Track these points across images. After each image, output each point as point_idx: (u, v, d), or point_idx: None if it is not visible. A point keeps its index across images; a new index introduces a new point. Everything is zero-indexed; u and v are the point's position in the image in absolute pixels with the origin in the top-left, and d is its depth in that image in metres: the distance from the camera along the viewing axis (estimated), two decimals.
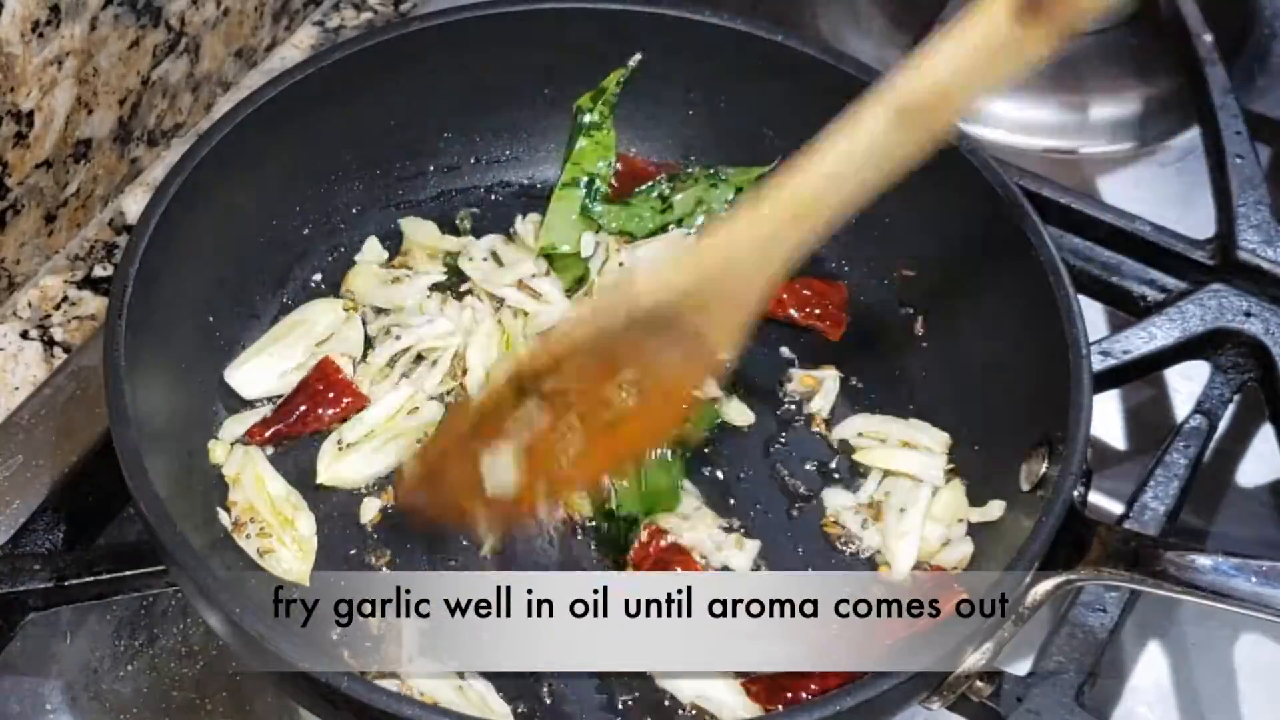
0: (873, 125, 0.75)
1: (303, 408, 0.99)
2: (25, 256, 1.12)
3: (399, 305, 1.06)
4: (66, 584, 0.89)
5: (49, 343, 1.11)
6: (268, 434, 0.98)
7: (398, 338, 1.03)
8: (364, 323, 1.05)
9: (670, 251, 0.81)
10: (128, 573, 0.89)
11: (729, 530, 0.96)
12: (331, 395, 1.00)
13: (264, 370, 1.01)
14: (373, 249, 1.10)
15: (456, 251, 1.10)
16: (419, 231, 1.11)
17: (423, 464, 0.91)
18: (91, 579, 0.89)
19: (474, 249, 1.10)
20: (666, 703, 0.89)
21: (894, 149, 0.75)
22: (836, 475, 1.01)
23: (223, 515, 0.94)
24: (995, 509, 0.94)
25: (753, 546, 0.95)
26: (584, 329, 0.80)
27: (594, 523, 0.96)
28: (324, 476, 0.98)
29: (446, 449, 0.89)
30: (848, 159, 0.75)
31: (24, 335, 1.11)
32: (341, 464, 0.98)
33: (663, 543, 0.93)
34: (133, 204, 1.20)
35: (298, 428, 0.99)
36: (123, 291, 0.89)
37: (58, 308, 1.13)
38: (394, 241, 1.11)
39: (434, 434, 0.94)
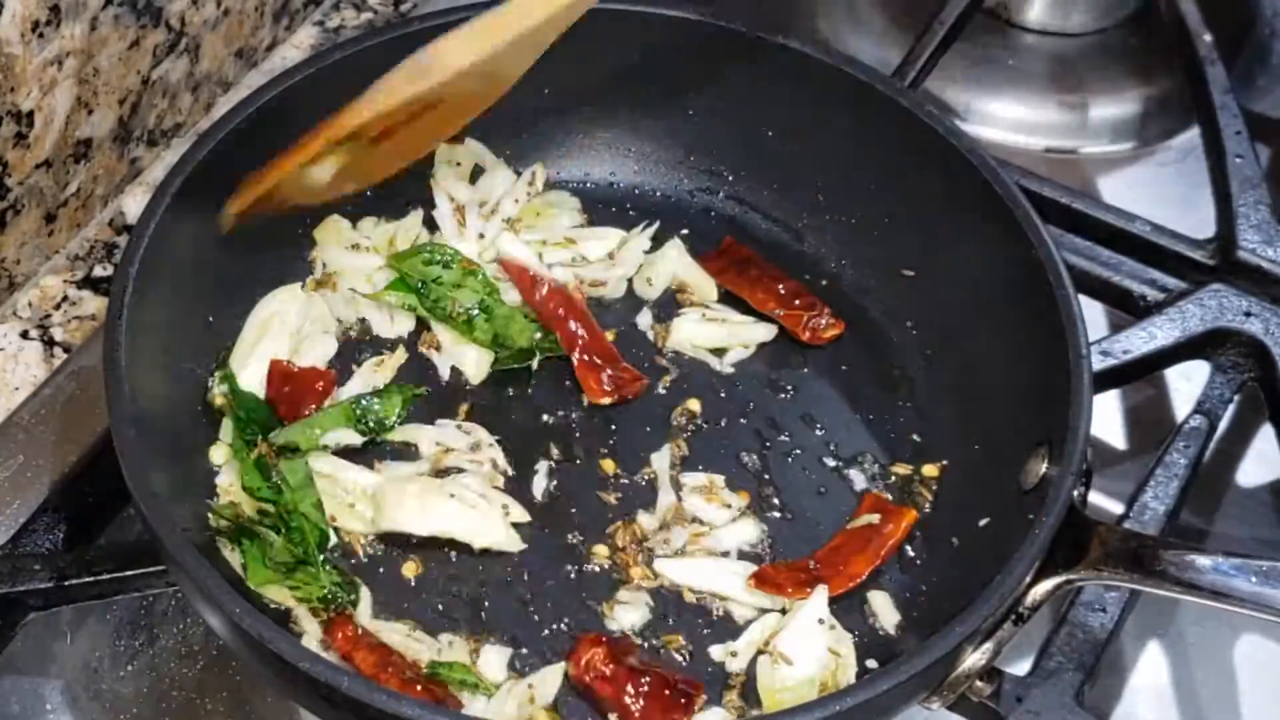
0: None
1: (283, 420, 0.99)
2: (25, 256, 1.12)
3: (346, 269, 1.07)
4: (66, 584, 0.89)
5: (49, 343, 1.11)
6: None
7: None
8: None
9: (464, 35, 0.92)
10: (128, 573, 0.89)
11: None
12: (296, 390, 1.00)
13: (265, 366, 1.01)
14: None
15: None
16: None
17: (245, 199, 0.94)
18: (91, 579, 0.89)
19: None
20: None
21: None
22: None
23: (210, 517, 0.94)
24: None
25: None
26: (395, 98, 0.90)
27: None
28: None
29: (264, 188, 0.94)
30: None
31: (24, 335, 1.11)
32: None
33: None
34: (133, 204, 1.20)
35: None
36: (123, 291, 0.89)
37: (58, 308, 1.13)
38: None
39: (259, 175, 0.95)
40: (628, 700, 0.85)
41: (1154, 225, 1.14)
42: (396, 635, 0.89)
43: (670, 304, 1.10)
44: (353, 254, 1.08)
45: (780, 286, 1.08)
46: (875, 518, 0.96)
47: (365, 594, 0.91)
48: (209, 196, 0.98)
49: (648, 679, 0.86)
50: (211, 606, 0.78)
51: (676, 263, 1.10)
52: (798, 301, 1.08)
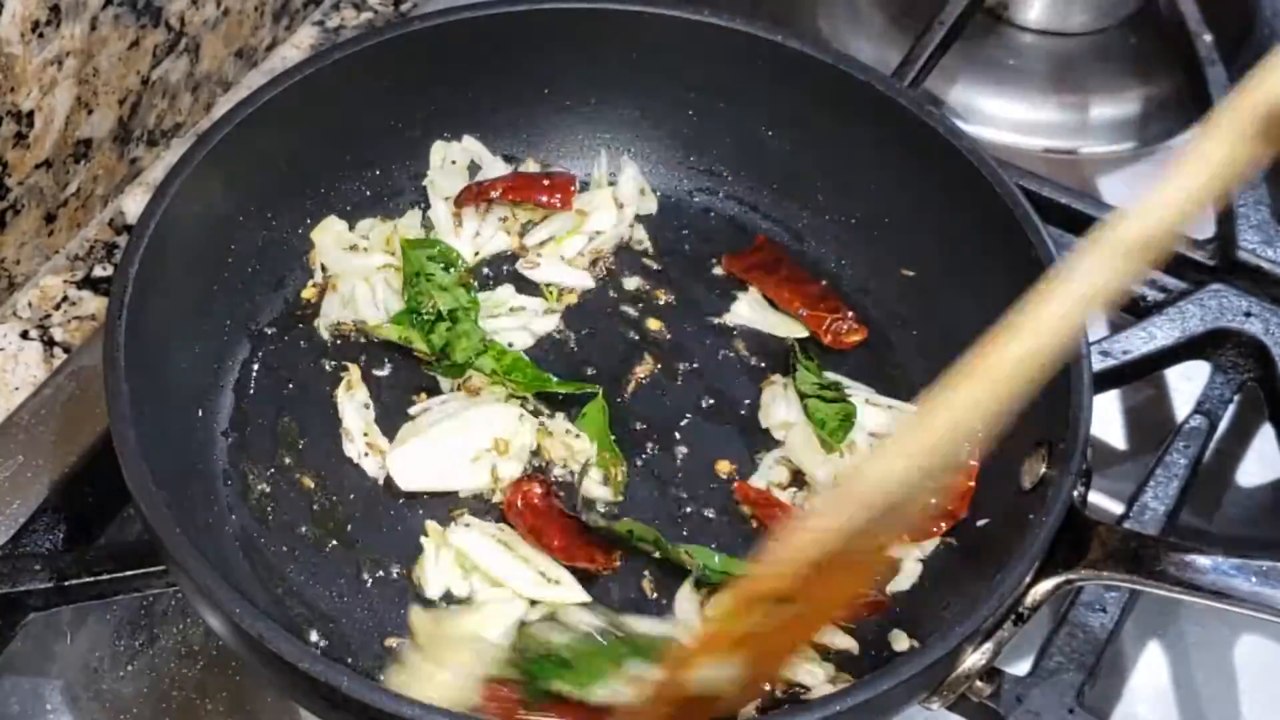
0: (1097, 268, 0.69)
1: None
2: (25, 256, 1.12)
3: (345, 271, 1.07)
4: (66, 584, 0.89)
5: (49, 343, 1.11)
6: None
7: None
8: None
9: (889, 439, 0.80)
10: (128, 573, 0.89)
11: None
12: None
13: (424, 459, 0.98)
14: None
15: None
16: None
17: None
18: (91, 579, 0.89)
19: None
20: None
21: (1113, 286, 0.69)
22: None
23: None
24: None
25: None
26: (819, 542, 0.73)
27: None
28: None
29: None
30: (1076, 301, 0.70)
31: (24, 335, 1.11)
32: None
33: None
34: (133, 204, 1.20)
35: None
36: (123, 291, 0.89)
37: (58, 308, 1.13)
38: None
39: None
40: None
41: None
42: None
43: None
44: (351, 254, 1.08)
45: (808, 288, 1.09)
46: None
47: None
48: (209, 196, 0.98)
49: None
50: (211, 606, 0.78)
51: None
52: (823, 305, 1.08)
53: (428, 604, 0.92)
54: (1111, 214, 0.70)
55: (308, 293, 1.08)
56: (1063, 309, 0.69)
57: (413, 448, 0.97)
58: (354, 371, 1.03)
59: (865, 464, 0.76)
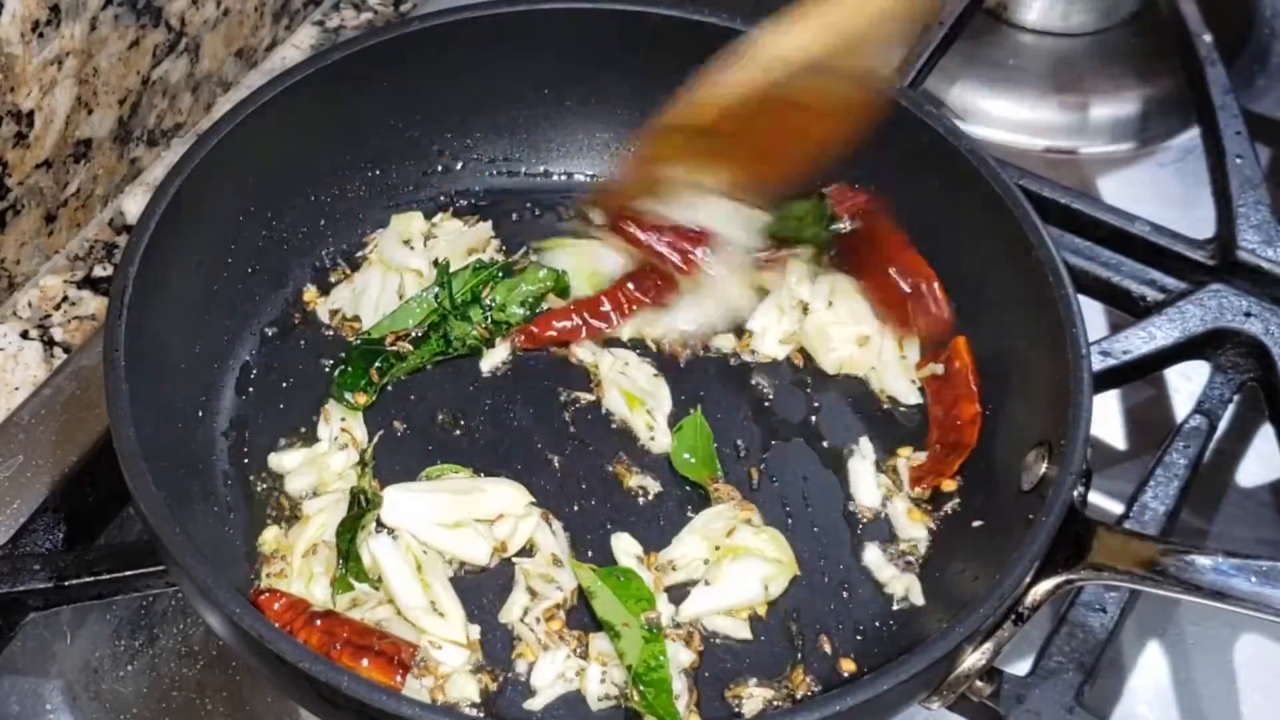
0: None
1: None
2: (25, 256, 1.12)
3: (393, 262, 1.08)
4: (66, 584, 0.89)
5: (49, 343, 1.11)
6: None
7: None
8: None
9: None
10: (128, 573, 0.89)
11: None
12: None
13: (417, 506, 0.95)
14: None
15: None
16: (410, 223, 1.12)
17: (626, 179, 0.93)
18: (91, 579, 0.89)
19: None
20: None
21: None
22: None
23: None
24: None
25: None
26: (729, 90, 0.83)
27: None
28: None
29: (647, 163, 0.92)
30: None
31: (24, 335, 1.11)
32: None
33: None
34: (133, 204, 1.20)
35: None
36: (123, 291, 0.89)
37: (58, 308, 1.13)
38: None
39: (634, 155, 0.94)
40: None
41: (1154, 225, 1.14)
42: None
43: None
44: (404, 250, 1.09)
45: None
46: (938, 367, 1.01)
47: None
48: (209, 196, 0.98)
49: None
50: (211, 606, 0.78)
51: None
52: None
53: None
54: None
55: (309, 294, 1.08)
56: None
57: (411, 492, 0.96)
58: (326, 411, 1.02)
59: (770, 35, 0.81)
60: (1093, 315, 1.11)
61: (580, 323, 1.06)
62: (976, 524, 0.95)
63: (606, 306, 1.06)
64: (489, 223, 1.13)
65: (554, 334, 1.06)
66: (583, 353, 1.06)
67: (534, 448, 1.01)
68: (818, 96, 0.83)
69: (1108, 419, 1.14)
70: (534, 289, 1.07)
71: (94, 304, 1.13)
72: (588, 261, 1.08)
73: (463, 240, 1.10)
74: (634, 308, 1.06)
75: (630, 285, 1.07)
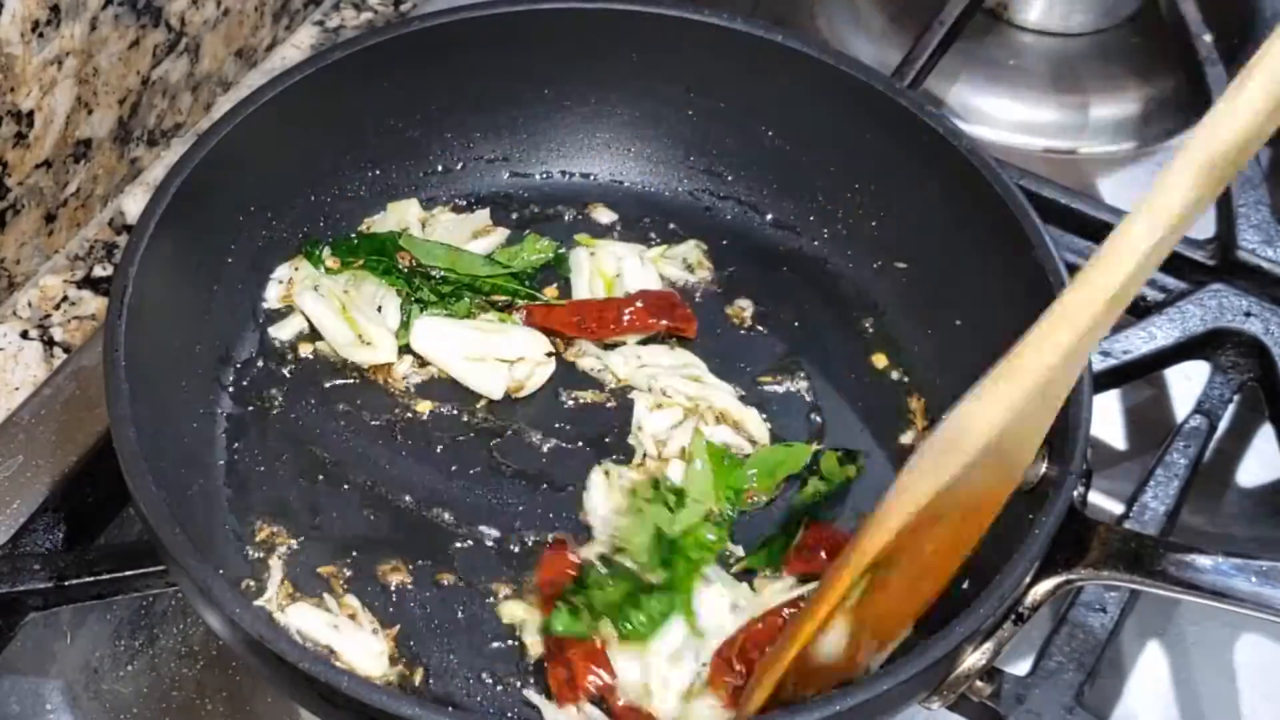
0: (1179, 190, 0.69)
1: None
2: (25, 256, 1.12)
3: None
4: (66, 584, 0.89)
5: (49, 343, 1.11)
6: None
7: None
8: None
9: (982, 387, 0.75)
10: (128, 573, 0.89)
11: None
12: None
13: (444, 336, 1.04)
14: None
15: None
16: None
17: (771, 680, 0.82)
18: (91, 579, 0.89)
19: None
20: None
21: (1194, 208, 0.69)
22: None
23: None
24: None
25: None
26: (920, 498, 0.74)
27: None
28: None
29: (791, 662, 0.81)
30: (1160, 226, 0.70)
31: (24, 335, 1.11)
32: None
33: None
34: (133, 204, 1.20)
35: None
36: (123, 291, 0.89)
37: (58, 308, 1.13)
38: None
39: (778, 655, 0.82)
40: None
41: None
42: None
43: None
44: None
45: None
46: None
47: None
48: (209, 196, 0.98)
49: None
50: (211, 606, 0.78)
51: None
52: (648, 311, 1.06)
53: None
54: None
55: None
56: (1146, 232, 0.69)
57: (439, 324, 1.04)
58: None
59: (959, 415, 0.74)
60: None
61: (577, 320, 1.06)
62: None
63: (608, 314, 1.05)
64: (486, 209, 1.13)
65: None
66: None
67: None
68: (970, 491, 0.76)
69: (1108, 419, 1.14)
70: (533, 258, 1.09)
71: (94, 304, 1.13)
72: (607, 264, 1.09)
73: (466, 226, 1.11)
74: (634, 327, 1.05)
75: (640, 304, 1.06)
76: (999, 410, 0.73)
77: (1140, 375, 1.09)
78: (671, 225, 1.14)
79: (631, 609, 0.87)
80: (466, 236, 1.10)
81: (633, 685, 0.86)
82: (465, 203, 1.15)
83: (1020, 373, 0.73)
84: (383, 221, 1.10)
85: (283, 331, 1.05)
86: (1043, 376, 0.73)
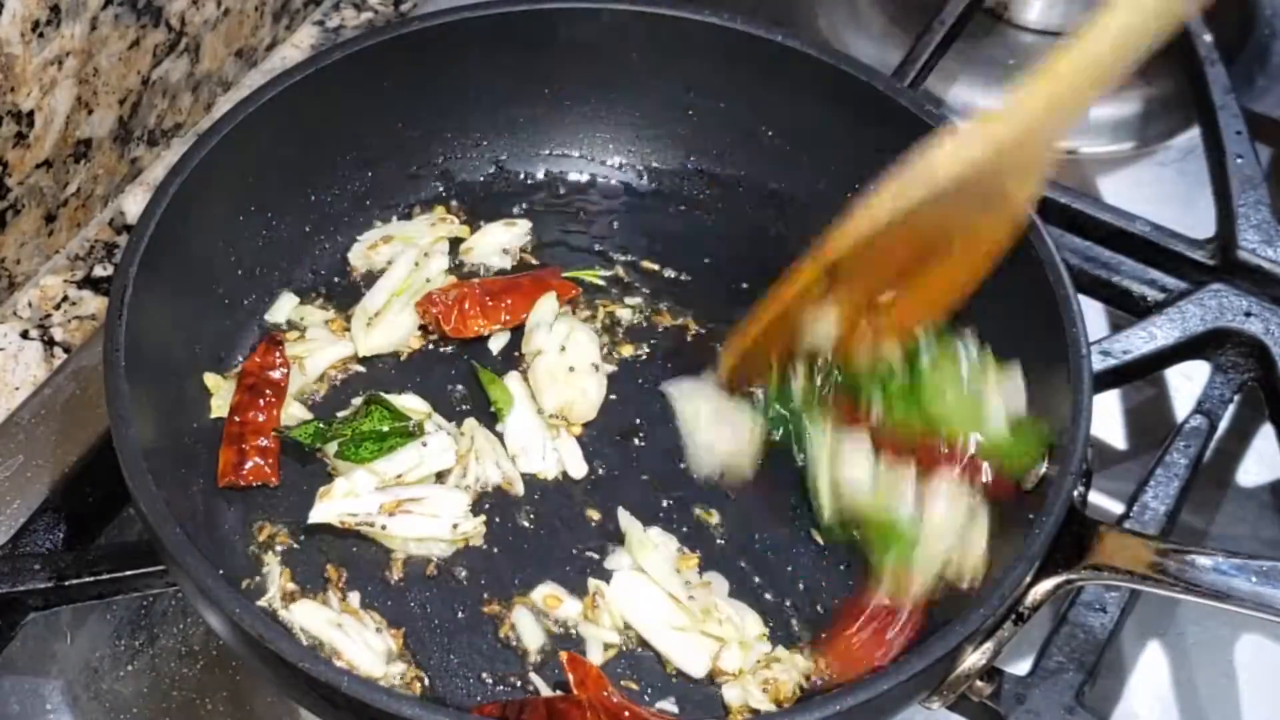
0: None
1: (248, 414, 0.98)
2: (25, 256, 1.12)
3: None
4: (66, 584, 0.89)
5: (49, 343, 1.11)
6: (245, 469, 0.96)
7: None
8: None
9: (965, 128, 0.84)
10: (128, 573, 0.89)
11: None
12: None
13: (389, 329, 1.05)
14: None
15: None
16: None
17: (738, 349, 0.93)
18: (91, 579, 0.89)
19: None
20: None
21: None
22: None
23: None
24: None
25: None
26: (882, 212, 0.83)
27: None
28: (364, 349, 1.03)
29: (759, 331, 0.91)
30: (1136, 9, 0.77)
31: (24, 335, 1.11)
32: (374, 334, 1.04)
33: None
34: (133, 204, 1.20)
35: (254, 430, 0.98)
36: (123, 291, 0.89)
37: (58, 308, 1.13)
38: None
39: (746, 322, 0.94)
40: None
41: (1154, 225, 1.14)
42: None
43: None
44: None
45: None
46: None
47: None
48: (209, 196, 0.98)
49: None
50: (211, 606, 0.78)
51: None
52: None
53: None
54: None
55: (308, 295, 1.08)
56: (1122, 22, 0.76)
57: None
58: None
59: (929, 152, 0.81)
60: (1093, 315, 1.11)
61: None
62: None
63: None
64: (529, 223, 1.14)
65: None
66: None
67: None
68: (960, 223, 0.84)
69: (1108, 419, 1.14)
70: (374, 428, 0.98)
71: (94, 304, 1.13)
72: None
73: (434, 232, 1.11)
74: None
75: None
76: (969, 151, 0.81)
77: (1140, 375, 1.09)
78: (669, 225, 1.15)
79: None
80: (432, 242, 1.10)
81: None
82: (467, 203, 1.15)
83: (993, 120, 0.81)
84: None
85: (276, 314, 1.06)
86: (1019, 129, 0.81)
